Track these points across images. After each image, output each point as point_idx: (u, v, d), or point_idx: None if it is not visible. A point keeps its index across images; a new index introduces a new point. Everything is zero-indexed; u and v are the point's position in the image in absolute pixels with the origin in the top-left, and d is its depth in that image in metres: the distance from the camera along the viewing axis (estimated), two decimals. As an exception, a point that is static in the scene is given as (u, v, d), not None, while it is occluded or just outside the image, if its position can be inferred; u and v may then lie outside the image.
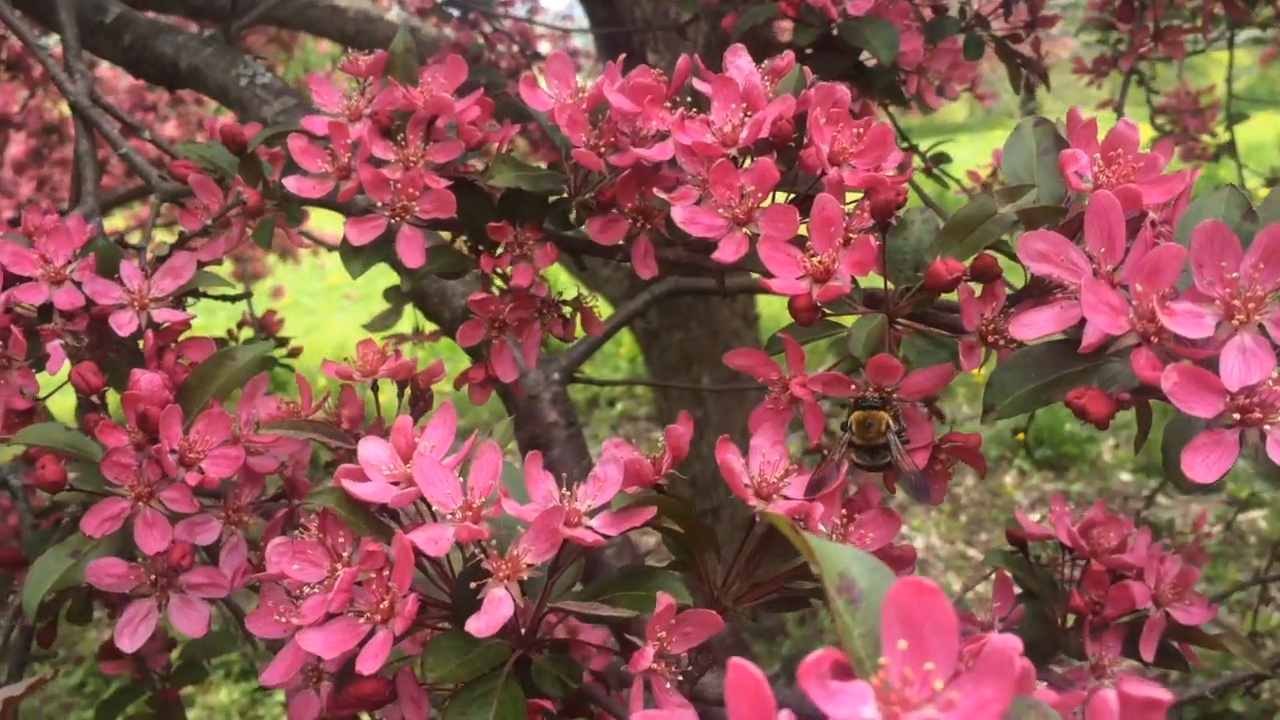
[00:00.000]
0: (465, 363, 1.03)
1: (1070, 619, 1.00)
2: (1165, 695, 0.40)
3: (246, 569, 0.87)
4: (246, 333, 1.73)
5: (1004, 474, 5.25)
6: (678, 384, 2.78)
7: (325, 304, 8.99)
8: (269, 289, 6.68)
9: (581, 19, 3.02)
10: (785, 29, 1.58)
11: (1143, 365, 0.61)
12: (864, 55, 1.30)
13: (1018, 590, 1.01)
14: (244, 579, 0.86)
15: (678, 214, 0.77)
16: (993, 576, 1.03)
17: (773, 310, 5.42)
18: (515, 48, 2.52)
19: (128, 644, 0.82)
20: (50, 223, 0.94)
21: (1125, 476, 5.15)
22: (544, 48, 3.16)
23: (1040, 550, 1.08)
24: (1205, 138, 2.64)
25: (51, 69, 1.16)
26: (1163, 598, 0.99)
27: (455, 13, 2.60)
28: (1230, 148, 2.68)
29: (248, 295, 1.12)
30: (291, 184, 0.92)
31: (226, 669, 3.72)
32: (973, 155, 2.15)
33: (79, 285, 0.92)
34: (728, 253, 0.78)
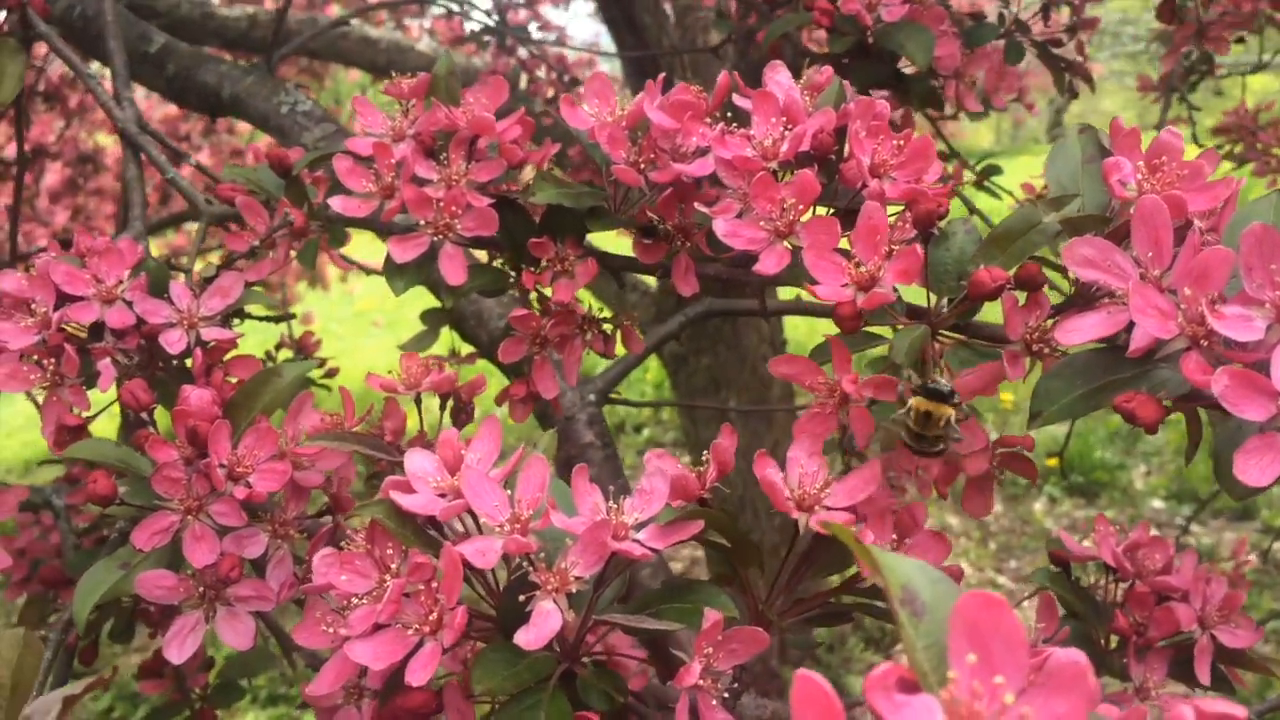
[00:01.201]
0: (501, 380, 1.04)
1: (1113, 640, 1.00)
2: (1241, 711, 0.39)
3: (292, 582, 0.87)
4: (285, 354, 1.76)
5: (1034, 501, 5.20)
6: (709, 404, 2.77)
7: (354, 330, 9.06)
8: (299, 315, 6.74)
9: (609, 47, 3.05)
10: (820, 36, 1.58)
11: (1193, 369, 0.60)
12: (902, 62, 1.31)
13: (1061, 612, 1.00)
14: (290, 592, 0.87)
15: (720, 227, 0.78)
16: (1031, 600, 1.02)
17: (799, 336, 5.40)
18: (553, 74, 2.55)
19: (176, 655, 0.83)
20: (102, 244, 0.96)
21: (1157, 503, 5.09)
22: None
23: (1079, 571, 1.07)
24: (1276, 150, 2.62)
25: (101, 97, 1.18)
26: (1208, 620, 0.98)
27: (491, 40, 2.63)
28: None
29: (291, 316, 1.14)
30: (337, 203, 0.93)
31: (254, 694, 3.73)
32: (1003, 180, 2.14)
33: (130, 304, 0.93)
34: (769, 265, 0.79)
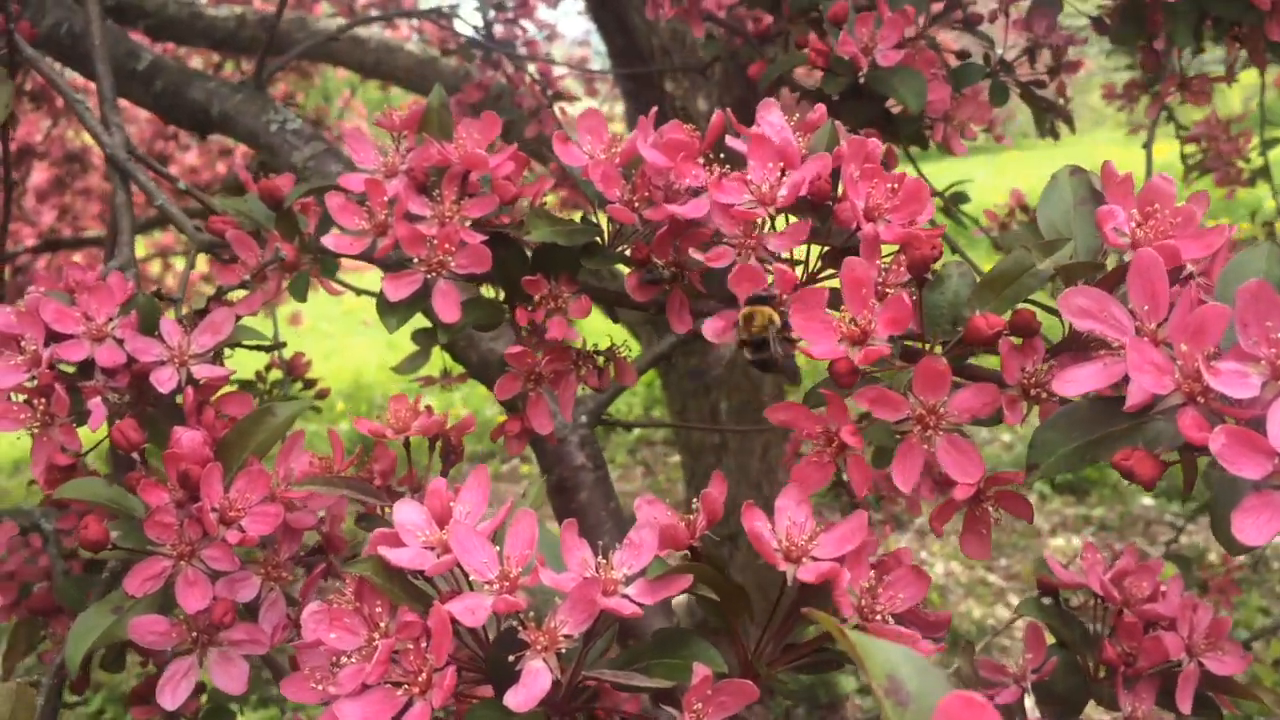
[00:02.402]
0: (490, 401, 1.04)
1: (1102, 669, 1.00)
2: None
3: (285, 624, 0.87)
4: (275, 374, 1.75)
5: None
6: (702, 426, 2.77)
7: (343, 329, 9.04)
8: (287, 315, 6.72)
9: (599, 44, 3.04)
10: (805, 71, 1.58)
11: (1189, 425, 0.60)
12: (889, 102, 1.31)
13: (1050, 640, 1.01)
14: (283, 634, 0.87)
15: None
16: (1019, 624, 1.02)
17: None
18: (537, 87, 2.54)
19: (170, 701, 0.82)
20: (91, 279, 0.95)
21: (1147, 501, 5.12)
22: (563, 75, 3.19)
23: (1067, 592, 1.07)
24: (1240, 162, 2.64)
25: (88, 123, 1.17)
26: (1196, 648, 0.98)
27: (477, 51, 2.63)
28: (1264, 172, 2.68)
29: (281, 345, 1.13)
30: (330, 241, 0.93)
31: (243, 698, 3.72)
32: (988, 179, 2.15)
33: (120, 342, 0.92)
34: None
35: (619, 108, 4.67)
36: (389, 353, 8.46)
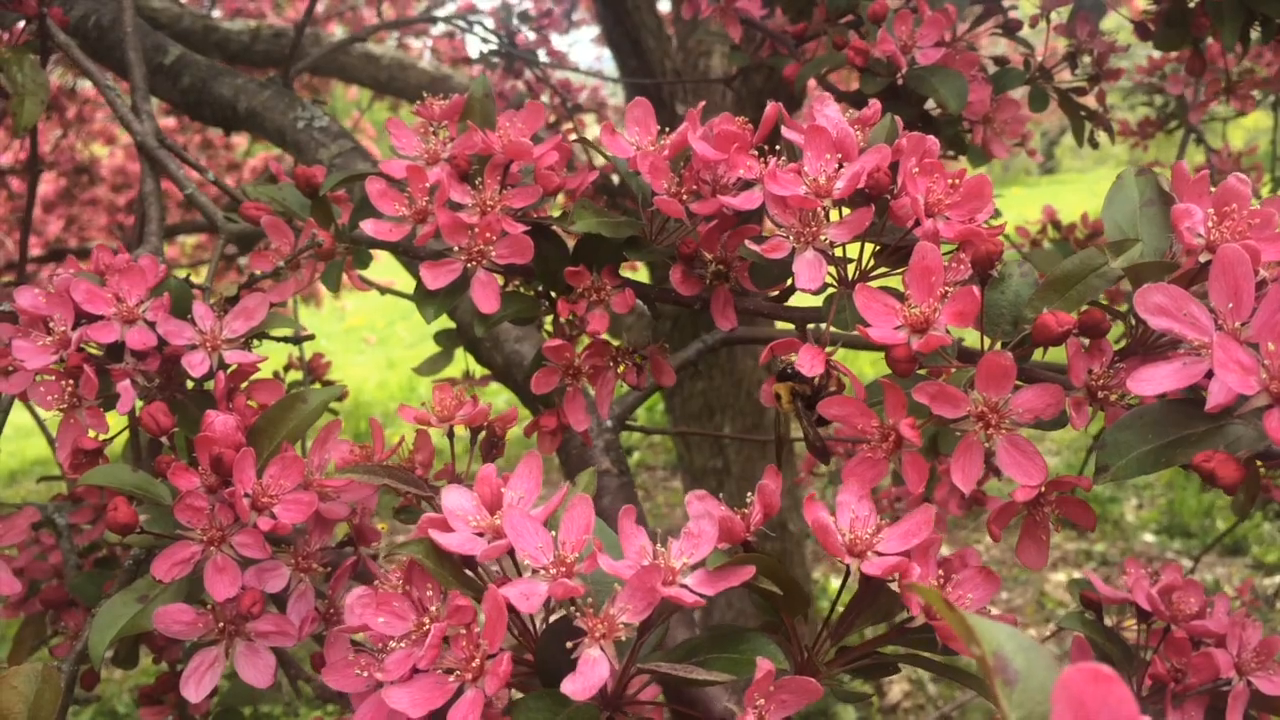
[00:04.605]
0: (510, 405, 1.02)
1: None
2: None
3: (314, 617, 0.84)
4: (294, 375, 1.72)
5: (1027, 533, 5.19)
6: (713, 433, 2.74)
7: (345, 347, 9.02)
8: (289, 332, 6.68)
9: (609, 72, 3.04)
10: (838, 78, 1.57)
11: (1277, 428, 0.58)
12: (929, 104, 1.29)
13: (1094, 656, 0.98)
14: (312, 627, 0.84)
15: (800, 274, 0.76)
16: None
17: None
18: (557, 98, 2.54)
19: (194, 693, 0.79)
20: (122, 261, 0.93)
21: (1149, 537, 5.09)
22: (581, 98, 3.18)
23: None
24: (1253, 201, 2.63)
25: (119, 110, 1.16)
26: (1245, 666, 0.96)
27: (499, 61, 2.62)
28: (1275, 208, 2.67)
29: (311, 337, 1.11)
30: (369, 227, 0.91)
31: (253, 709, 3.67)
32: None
33: (151, 325, 0.90)
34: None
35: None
36: (389, 372, 8.44)
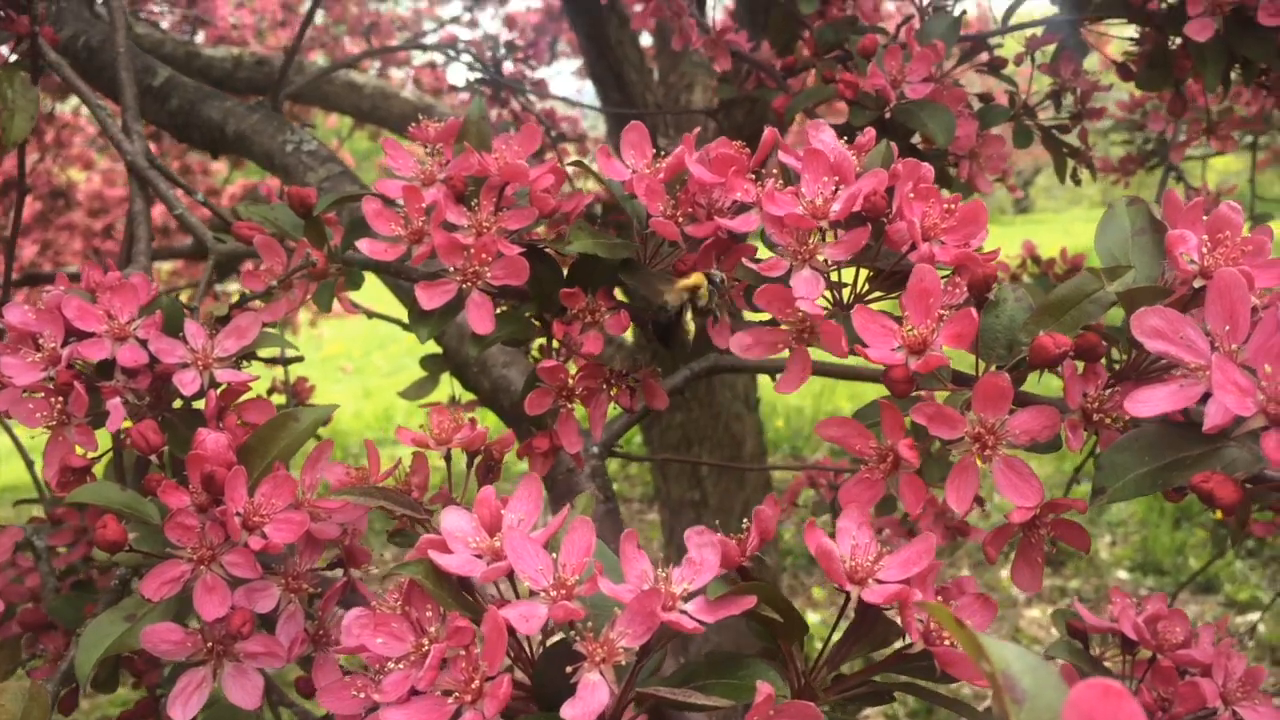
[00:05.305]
0: (501, 432, 1.01)
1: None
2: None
3: (303, 639, 0.83)
4: (278, 399, 1.71)
5: (1001, 568, 5.20)
6: (699, 460, 2.74)
7: (322, 375, 8.96)
8: (265, 359, 6.64)
9: (589, 101, 3.07)
10: (838, 108, 1.59)
11: (1274, 449, 0.59)
12: (915, 138, 1.31)
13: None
14: (301, 649, 0.83)
15: (798, 288, 0.76)
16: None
17: (772, 395, 5.40)
18: (541, 127, 2.55)
19: (180, 714, 0.78)
20: (113, 279, 0.92)
21: (1122, 574, 5.12)
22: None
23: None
24: None
25: (110, 129, 1.15)
26: (1230, 696, 0.96)
27: (485, 90, 2.64)
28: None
29: (300, 359, 1.10)
30: (365, 246, 0.91)
31: None
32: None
33: (143, 343, 0.90)
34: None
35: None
36: (365, 401, 8.39)
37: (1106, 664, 1.04)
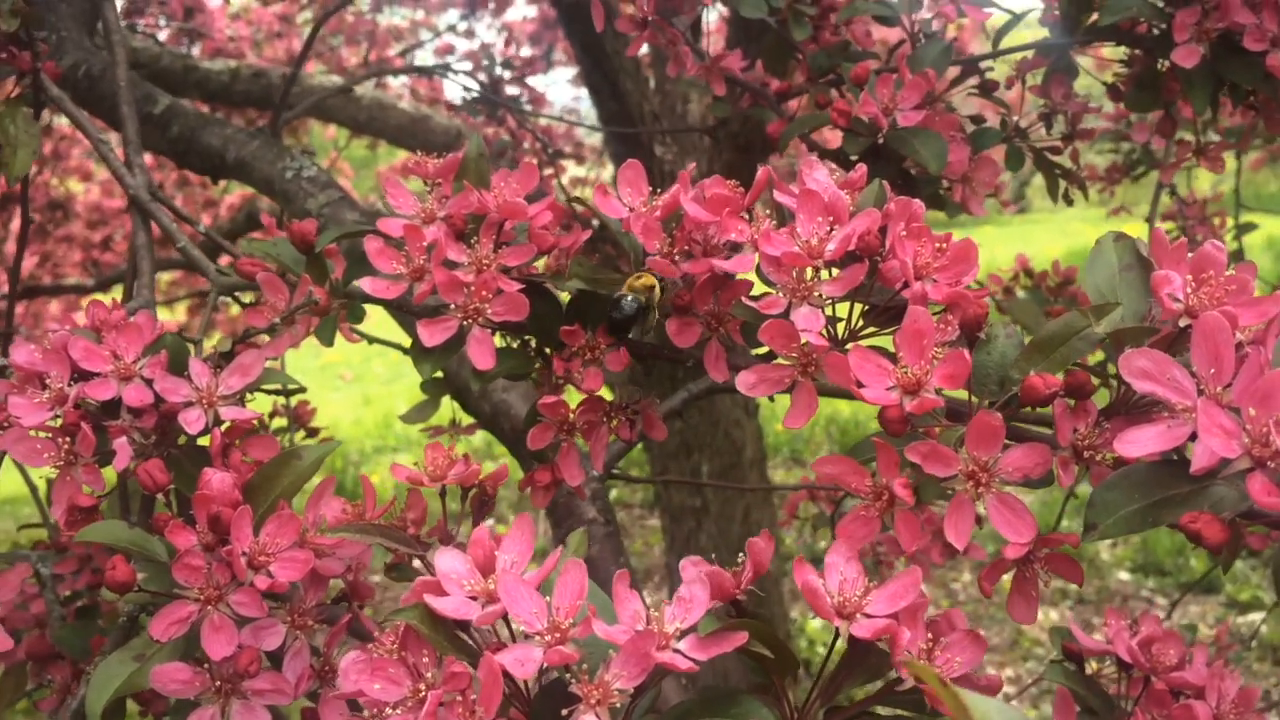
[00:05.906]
0: (502, 454, 1.03)
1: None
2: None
3: (309, 675, 0.85)
4: (279, 422, 1.72)
5: (1002, 571, 5.21)
6: (692, 480, 2.75)
7: (320, 384, 8.97)
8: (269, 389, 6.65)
9: (585, 112, 3.08)
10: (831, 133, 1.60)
11: (1259, 490, 0.60)
12: (907, 163, 1.33)
13: (1076, 708, 1.00)
14: (307, 685, 0.84)
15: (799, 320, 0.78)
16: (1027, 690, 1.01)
17: (767, 404, 5.41)
18: (537, 144, 2.57)
19: (189, 753, 0.79)
20: (118, 318, 0.94)
21: (1124, 575, 5.13)
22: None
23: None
24: (1200, 238, 2.69)
25: (112, 163, 1.17)
26: (1224, 717, 0.97)
27: (481, 108, 2.65)
28: (1239, 256, 2.74)
29: (301, 390, 1.12)
30: (367, 284, 0.92)
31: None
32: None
33: (148, 382, 0.91)
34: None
35: (606, 173, 4.73)
36: (364, 409, 8.40)
37: (1102, 682, 1.05)
